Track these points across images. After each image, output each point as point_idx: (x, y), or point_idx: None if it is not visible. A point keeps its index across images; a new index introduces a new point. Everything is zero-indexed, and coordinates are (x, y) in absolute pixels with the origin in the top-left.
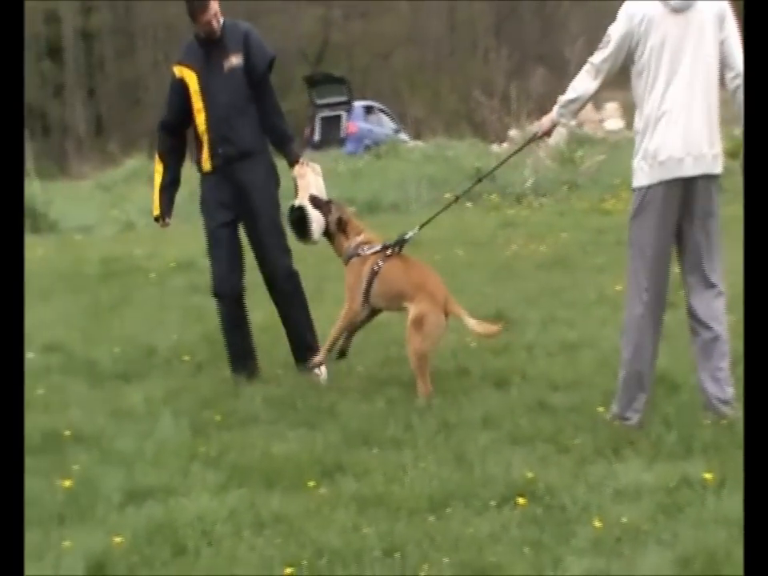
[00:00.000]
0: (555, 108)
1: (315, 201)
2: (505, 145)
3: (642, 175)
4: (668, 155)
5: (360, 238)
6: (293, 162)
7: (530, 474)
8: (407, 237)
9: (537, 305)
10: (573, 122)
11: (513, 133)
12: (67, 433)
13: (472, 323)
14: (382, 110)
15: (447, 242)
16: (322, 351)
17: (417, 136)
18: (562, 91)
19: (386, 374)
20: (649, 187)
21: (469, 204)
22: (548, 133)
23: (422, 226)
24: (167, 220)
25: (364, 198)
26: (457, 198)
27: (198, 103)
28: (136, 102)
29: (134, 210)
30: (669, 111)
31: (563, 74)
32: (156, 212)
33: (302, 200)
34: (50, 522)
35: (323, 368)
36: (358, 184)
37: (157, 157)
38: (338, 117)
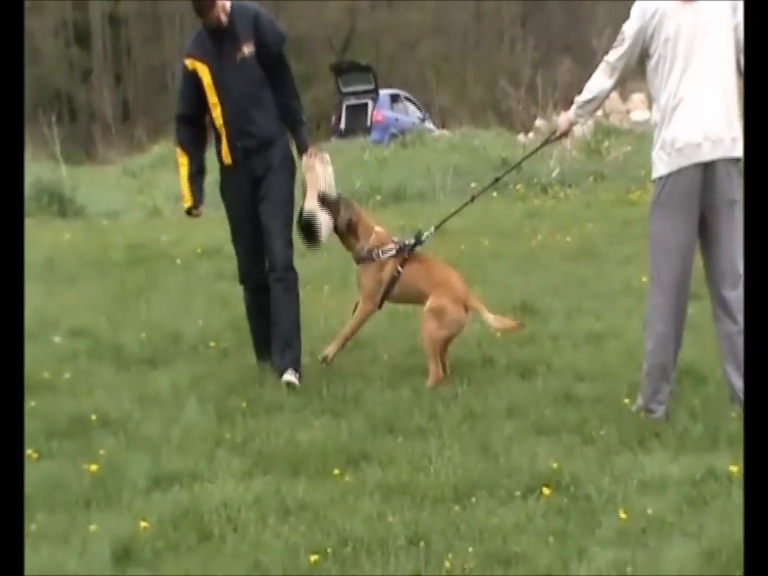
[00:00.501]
0: (572, 108)
1: (324, 200)
2: (531, 135)
3: (661, 165)
4: (685, 141)
5: (373, 240)
6: (302, 150)
7: (555, 465)
8: (423, 238)
9: (562, 295)
10: (590, 121)
11: (539, 123)
12: (94, 417)
13: (491, 318)
14: (408, 99)
15: (473, 231)
16: (334, 345)
17: (443, 125)
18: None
19: (411, 363)
20: (668, 176)
21: (495, 194)
22: (566, 133)
23: (437, 227)
24: (200, 209)
25: (390, 186)
26: (472, 198)
27: (212, 98)
28: (163, 88)
29: (161, 196)
30: (684, 99)
31: (590, 65)
32: (188, 203)
33: (311, 203)
34: (76, 505)
35: (296, 375)
36: (384, 173)
37: (178, 149)
38: (365, 105)
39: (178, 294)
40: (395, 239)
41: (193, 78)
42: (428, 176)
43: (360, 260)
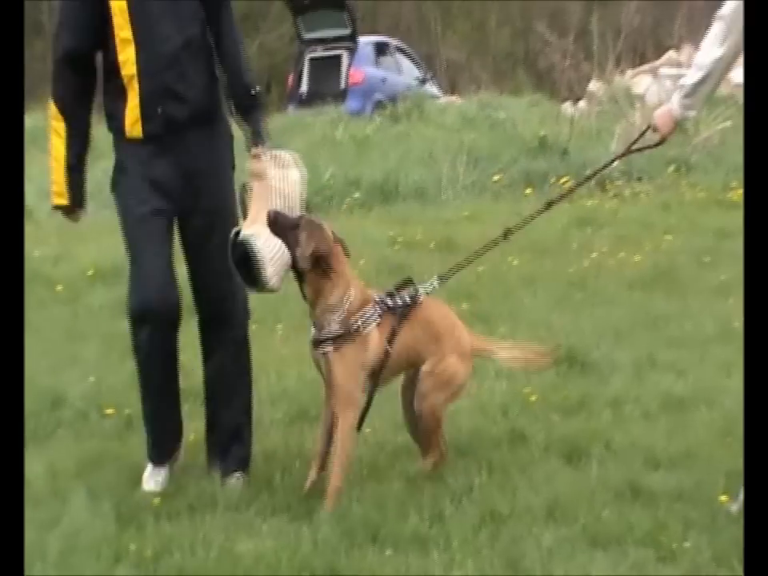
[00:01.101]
0: (675, 98)
1: (277, 223)
2: (582, 104)
3: None
4: None
5: (351, 295)
6: (253, 141)
7: None
8: (420, 293)
9: (628, 341)
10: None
11: (594, 87)
12: None
13: (507, 354)
14: (401, 50)
15: (497, 245)
16: (334, 495)
17: (452, 89)
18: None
19: (403, 441)
20: None
21: (527, 191)
22: (664, 140)
23: (447, 277)
24: (81, 211)
25: (373, 179)
26: (549, 205)
27: (123, 29)
28: (35, 30)
29: (32, 192)
30: None
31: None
32: (61, 199)
33: (252, 227)
34: None
35: (245, 478)
36: (365, 158)
37: (54, 108)
38: (337, 59)
39: (59, 337)
40: (375, 296)
41: None
42: (430, 164)
43: (331, 338)
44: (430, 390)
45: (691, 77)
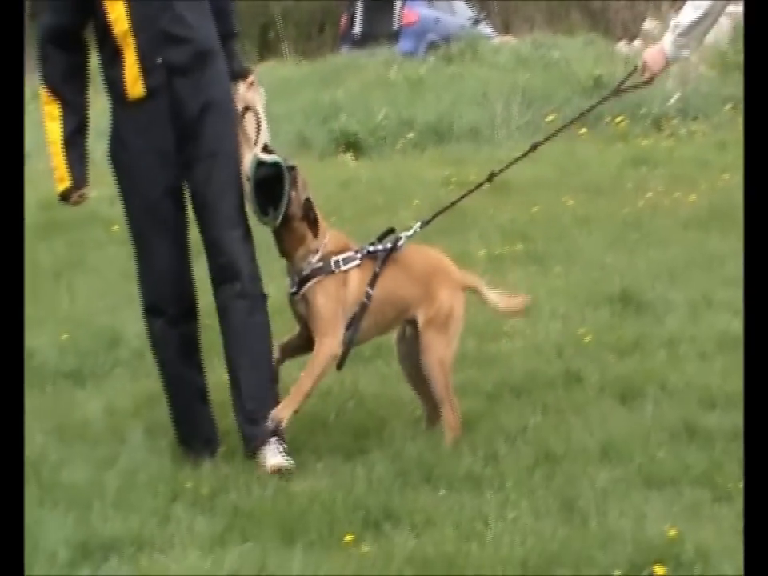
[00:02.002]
0: (669, 38)
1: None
2: (637, 43)
3: None
4: None
5: (327, 242)
6: (239, 74)
7: (672, 531)
8: (401, 239)
9: (683, 281)
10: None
11: (649, 26)
12: None
13: (494, 298)
14: None
15: (550, 185)
16: (289, 404)
17: (506, 29)
18: None
19: (460, 380)
20: None
21: (582, 130)
22: (653, 78)
23: (427, 222)
24: (84, 191)
25: (427, 120)
26: (534, 147)
27: None
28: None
29: (89, 132)
30: None
31: None
32: (64, 183)
33: (263, 151)
34: None
35: (281, 445)
36: (419, 100)
37: (44, 93)
38: (390, 0)
39: (116, 277)
40: (353, 245)
41: None
42: (484, 104)
43: (310, 274)
44: (431, 339)
45: (687, 16)
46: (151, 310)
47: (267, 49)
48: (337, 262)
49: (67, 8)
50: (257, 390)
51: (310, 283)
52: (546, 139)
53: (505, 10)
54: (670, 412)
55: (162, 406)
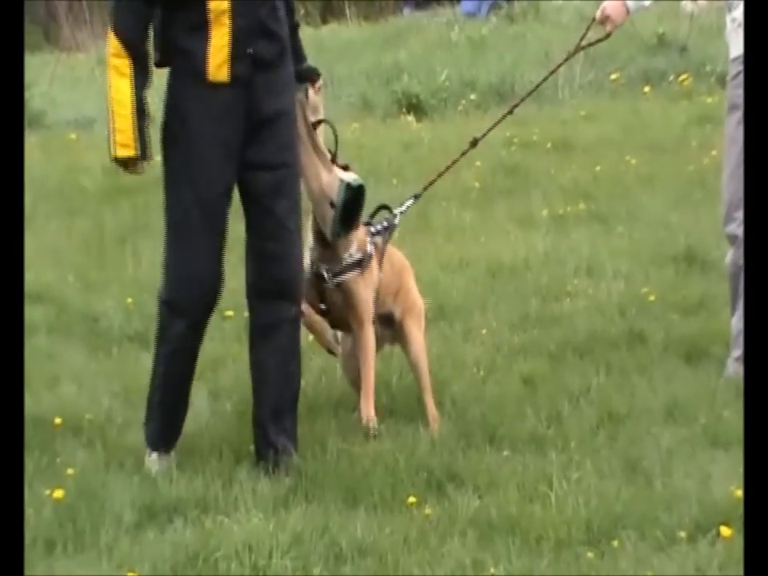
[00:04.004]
0: None
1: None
2: (702, 1)
3: None
4: None
5: (360, 230)
6: (307, 75)
7: (738, 492)
8: (397, 219)
9: None
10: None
11: None
12: (58, 420)
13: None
14: None
15: (614, 144)
16: (370, 407)
17: None
18: None
19: (523, 341)
20: None
21: (646, 89)
22: (612, 31)
23: (418, 196)
24: (146, 162)
25: (490, 80)
26: (511, 110)
27: None
28: None
29: (155, 96)
30: None
31: None
32: (128, 150)
33: (340, 171)
34: (33, 549)
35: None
36: (482, 60)
37: (116, 43)
38: None
39: None
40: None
41: None
42: (547, 64)
43: (350, 264)
44: (413, 330)
45: None
46: (173, 307)
47: (330, 11)
48: (370, 253)
49: None
50: (291, 404)
51: (351, 274)
52: (522, 100)
53: None
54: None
55: (226, 369)
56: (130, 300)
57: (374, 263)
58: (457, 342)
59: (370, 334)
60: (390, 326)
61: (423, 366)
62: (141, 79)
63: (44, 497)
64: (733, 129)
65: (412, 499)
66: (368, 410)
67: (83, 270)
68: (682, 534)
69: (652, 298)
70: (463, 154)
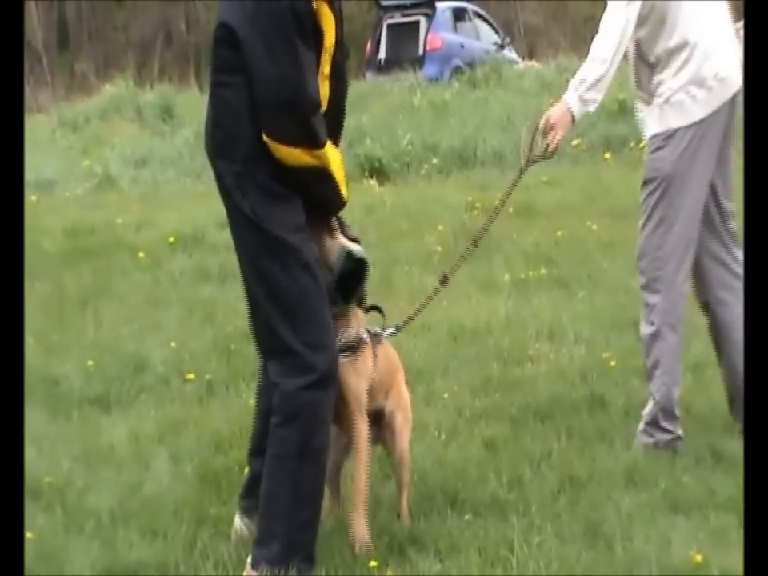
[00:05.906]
0: (574, 95)
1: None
2: None
3: (696, 107)
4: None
5: (353, 314)
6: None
7: (698, 557)
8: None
9: None
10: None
11: None
12: None
13: None
14: (479, 16)
15: (576, 209)
16: (361, 515)
17: (530, 54)
18: None
19: (485, 405)
20: (701, 122)
21: (606, 155)
22: (558, 144)
23: (402, 327)
24: None
25: (452, 145)
26: (474, 242)
27: (325, 66)
28: (118, 3)
29: (115, 159)
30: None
31: None
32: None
33: (345, 240)
34: None
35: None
36: (443, 124)
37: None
38: (415, 24)
39: (141, 303)
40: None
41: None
42: (509, 129)
43: (343, 348)
44: (403, 426)
45: (593, 71)
46: (330, 382)
47: None
48: (365, 336)
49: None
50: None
51: (345, 359)
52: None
53: (530, 35)
54: (695, 437)
55: (187, 432)
56: (90, 362)
57: (369, 354)
58: (419, 405)
59: (364, 431)
60: (376, 424)
61: (408, 464)
62: None
63: None
64: (646, 200)
65: (373, 563)
66: (361, 529)
67: (43, 332)
68: None
69: (613, 363)
70: (436, 291)
